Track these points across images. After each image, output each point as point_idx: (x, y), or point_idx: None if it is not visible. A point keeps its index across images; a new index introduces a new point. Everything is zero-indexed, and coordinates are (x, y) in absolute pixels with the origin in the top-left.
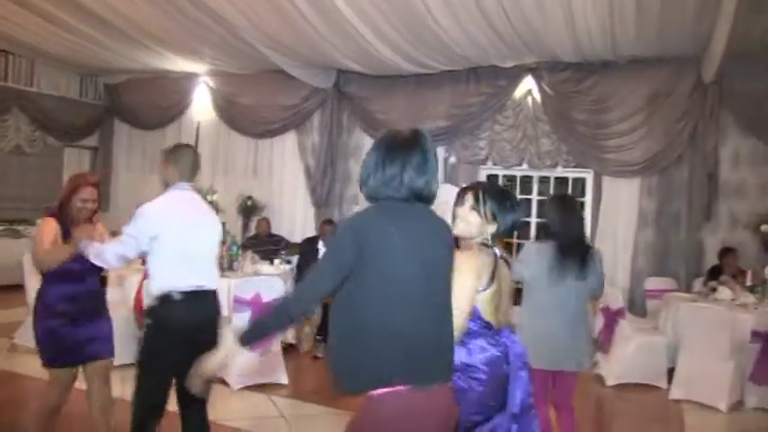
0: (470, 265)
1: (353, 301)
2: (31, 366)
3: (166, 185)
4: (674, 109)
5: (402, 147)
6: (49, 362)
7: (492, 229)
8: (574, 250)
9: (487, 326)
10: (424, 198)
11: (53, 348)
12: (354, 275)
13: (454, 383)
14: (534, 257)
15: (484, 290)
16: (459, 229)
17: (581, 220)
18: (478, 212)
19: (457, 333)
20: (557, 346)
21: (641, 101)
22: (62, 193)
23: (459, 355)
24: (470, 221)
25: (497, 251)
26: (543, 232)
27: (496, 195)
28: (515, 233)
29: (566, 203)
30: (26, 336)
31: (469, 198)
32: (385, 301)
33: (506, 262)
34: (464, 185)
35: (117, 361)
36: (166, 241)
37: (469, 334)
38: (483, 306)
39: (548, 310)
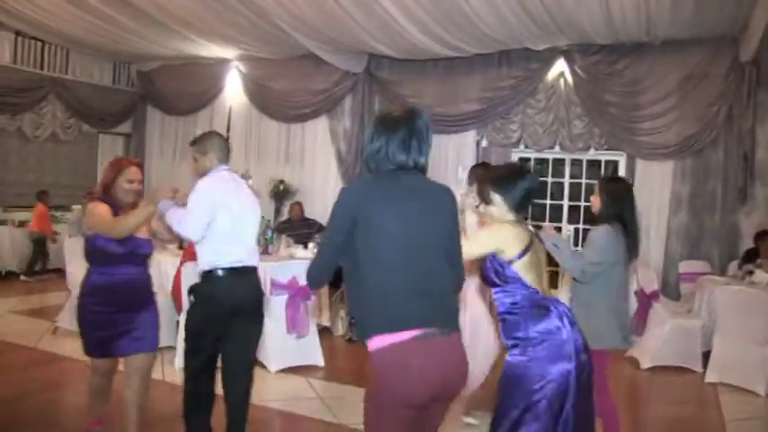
0: (493, 229)
1: (353, 262)
2: (72, 348)
3: (202, 174)
4: (709, 90)
5: (388, 124)
6: (87, 350)
7: (505, 208)
8: (636, 232)
9: (534, 290)
10: (410, 170)
11: (90, 337)
12: (352, 240)
13: (512, 359)
14: (613, 241)
15: (518, 258)
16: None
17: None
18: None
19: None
20: (626, 325)
21: (675, 83)
22: (105, 177)
23: (511, 329)
24: (489, 211)
25: (531, 228)
26: (604, 215)
27: (494, 180)
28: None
29: (628, 187)
30: (67, 319)
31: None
32: (371, 260)
33: (539, 239)
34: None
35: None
36: (218, 219)
37: (519, 302)
38: (523, 273)
39: (620, 292)
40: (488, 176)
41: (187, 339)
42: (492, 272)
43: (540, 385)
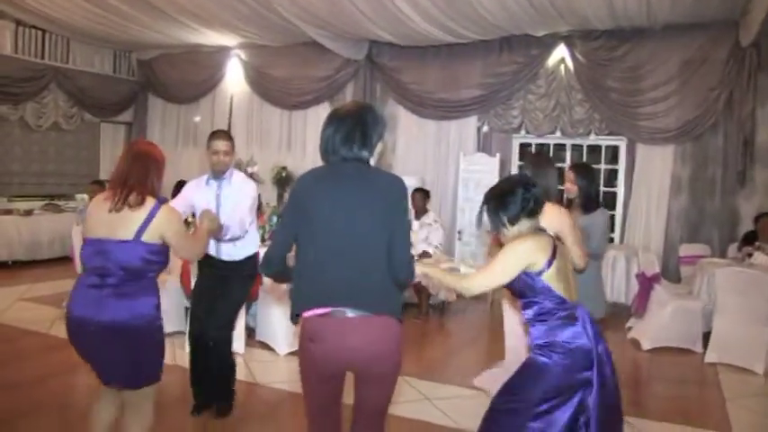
0: (515, 248)
1: (297, 247)
2: None
3: (227, 167)
4: (709, 75)
5: (336, 117)
6: (159, 375)
7: (514, 226)
8: None
9: (562, 300)
10: (352, 160)
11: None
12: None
13: (535, 358)
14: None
15: (546, 269)
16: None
17: None
18: (498, 227)
19: (470, 292)
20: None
21: (676, 67)
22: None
23: (540, 334)
24: (505, 235)
25: (551, 234)
26: (590, 198)
27: (487, 203)
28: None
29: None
30: None
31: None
32: (308, 245)
33: (560, 240)
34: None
35: (169, 329)
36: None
37: (548, 312)
38: (551, 282)
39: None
40: (488, 202)
41: (243, 299)
42: (522, 284)
43: (553, 394)
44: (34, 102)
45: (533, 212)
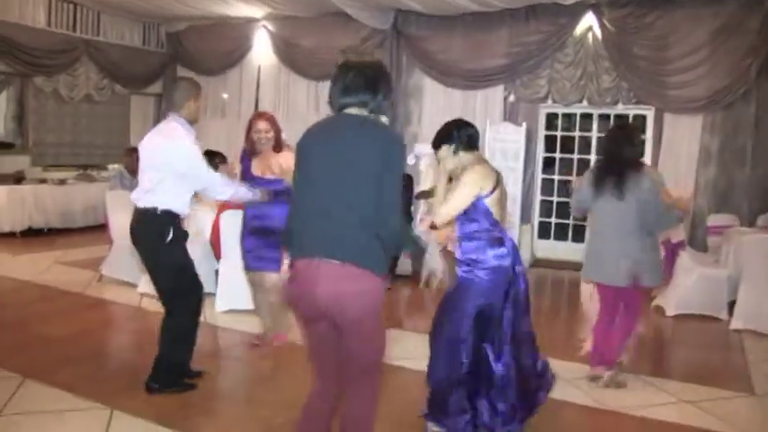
0: (470, 176)
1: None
2: (118, 294)
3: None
4: (740, 43)
5: (339, 70)
6: None
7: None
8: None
9: (496, 223)
10: (353, 108)
11: None
12: None
13: (463, 275)
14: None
15: (490, 194)
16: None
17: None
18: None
19: (440, 220)
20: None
21: (706, 36)
22: None
23: (469, 250)
24: (446, 165)
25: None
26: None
27: (435, 141)
28: None
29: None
30: (112, 267)
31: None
32: (299, 197)
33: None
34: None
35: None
36: None
37: (481, 231)
38: (491, 206)
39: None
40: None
41: None
42: (468, 205)
43: (479, 302)
44: (67, 74)
45: (469, 146)
